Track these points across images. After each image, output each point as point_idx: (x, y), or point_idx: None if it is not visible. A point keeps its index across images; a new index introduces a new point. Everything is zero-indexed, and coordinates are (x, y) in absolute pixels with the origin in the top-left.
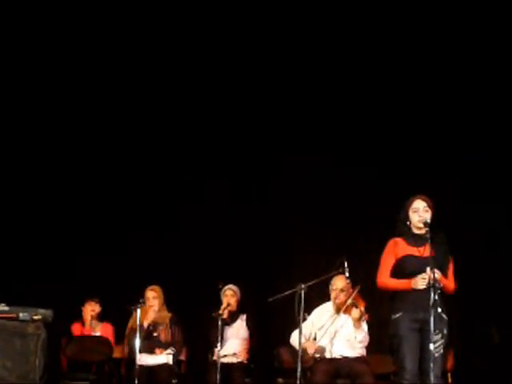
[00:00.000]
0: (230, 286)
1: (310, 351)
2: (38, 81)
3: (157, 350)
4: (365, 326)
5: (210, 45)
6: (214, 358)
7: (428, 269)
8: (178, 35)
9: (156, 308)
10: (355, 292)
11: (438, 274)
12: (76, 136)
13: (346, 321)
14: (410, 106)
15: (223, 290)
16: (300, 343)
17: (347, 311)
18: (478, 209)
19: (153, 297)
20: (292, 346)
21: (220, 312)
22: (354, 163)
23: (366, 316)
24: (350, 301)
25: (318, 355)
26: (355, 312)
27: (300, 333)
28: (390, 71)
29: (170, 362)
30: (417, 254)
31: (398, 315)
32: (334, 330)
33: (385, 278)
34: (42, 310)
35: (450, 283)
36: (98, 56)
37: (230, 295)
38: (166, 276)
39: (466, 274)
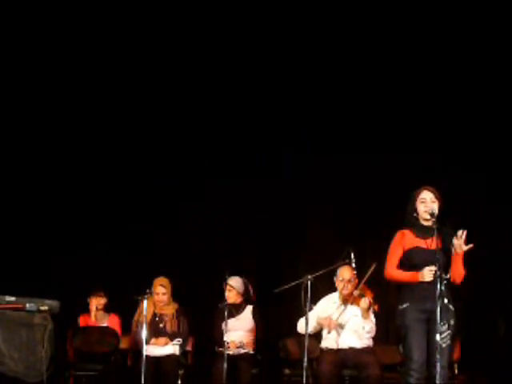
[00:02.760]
0: (231, 279)
1: (330, 327)
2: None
3: (154, 340)
4: (372, 316)
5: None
6: (221, 348)
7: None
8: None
9: (165, 302)
10: (371, 270)
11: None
12: (76, 133)
13: (353, 312)
14: (407, 100)
15: (225, 283)
16: (307, 334)
17: (355, 302)
18: (483, 201)
19: (162, 293)
20: (299, 333)
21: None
22: (360, 156)
23: (376, 306)
24: (357, 291)
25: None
26: (364, 302)
27: (306, 324)
28: (394, 64)
29: (177, 353)
30: (424, 245)
31: (405, 306)
32: (341, 321)
33: (392, 270)
34: (48, 301)
35: (462, 270)
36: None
37: (227, 290)
38: (173, 266)
39: (473, 265)
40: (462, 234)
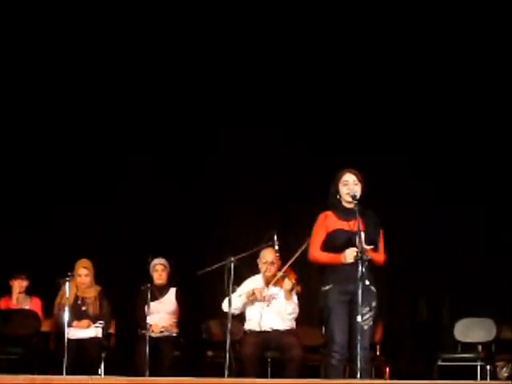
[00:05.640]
0: (160, 259)
1: (259, 295)
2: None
3: (76, 323)
4: (295, 297)
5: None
6: (144, 331)
7: (357, 240)
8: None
9: (87, 284)
10: (301, 250)
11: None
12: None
13: (276, 293)
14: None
15: (152, 264)
16: (230, 316)
17: (278, 283)
18: (408, 183)
19: (85, 274)
20: (224, 313)
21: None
22: (288, 138)
23: (299, 288)
24: (280, 273)
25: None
26: (287, 283)
27: (230, 305)
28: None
29: (99, 336)
30: (347, 227)
31: (327, 287)
32: (263, 303)
33: (316, 252)
34: None
35: (380, 256)
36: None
37: (160, 270)
38: (95, 248)
39: (395, 247)
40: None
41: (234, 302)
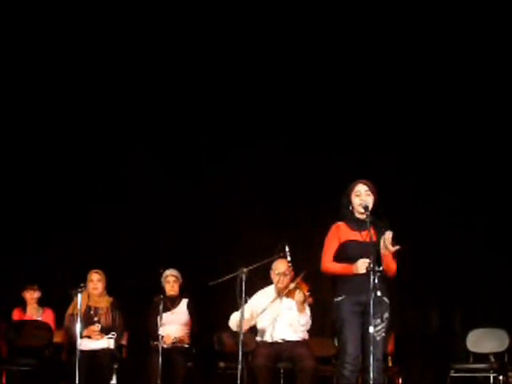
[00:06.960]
0: (172, 271)
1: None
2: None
3: (92, 328)
4: (308, 309)
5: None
6: (156, 342)
7: (386, 242)
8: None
9: (99, 291)
10: (299, 278)
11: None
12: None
13: (288, 305)
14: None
15: (164, 276)
16: (241, 326)
17: (290, 295)
18: (420, 195)
19: (97, 279)
20: (230, 328)
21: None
22: (299, 150)
23: (311, 299)
24: (292, 285)
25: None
26: (299, 295)
27: (242, 317)
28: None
29: (112, 347)
30: (359, 238)
31: (340, 298)
32: (275, 314)
33: (328, 263)
34: None
35: (393, 265)
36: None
37: (172, 281)
38: (107, 260)
39: (407, 258)
40: (388, 236)
41: (236, 319)
